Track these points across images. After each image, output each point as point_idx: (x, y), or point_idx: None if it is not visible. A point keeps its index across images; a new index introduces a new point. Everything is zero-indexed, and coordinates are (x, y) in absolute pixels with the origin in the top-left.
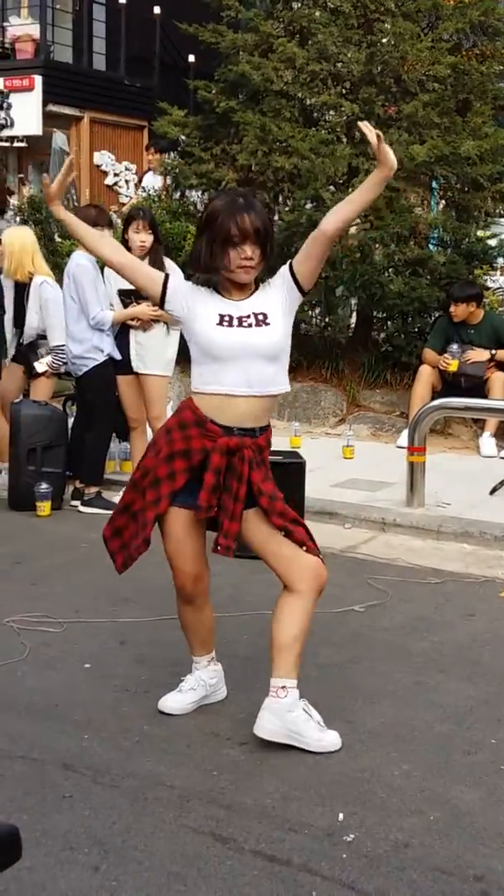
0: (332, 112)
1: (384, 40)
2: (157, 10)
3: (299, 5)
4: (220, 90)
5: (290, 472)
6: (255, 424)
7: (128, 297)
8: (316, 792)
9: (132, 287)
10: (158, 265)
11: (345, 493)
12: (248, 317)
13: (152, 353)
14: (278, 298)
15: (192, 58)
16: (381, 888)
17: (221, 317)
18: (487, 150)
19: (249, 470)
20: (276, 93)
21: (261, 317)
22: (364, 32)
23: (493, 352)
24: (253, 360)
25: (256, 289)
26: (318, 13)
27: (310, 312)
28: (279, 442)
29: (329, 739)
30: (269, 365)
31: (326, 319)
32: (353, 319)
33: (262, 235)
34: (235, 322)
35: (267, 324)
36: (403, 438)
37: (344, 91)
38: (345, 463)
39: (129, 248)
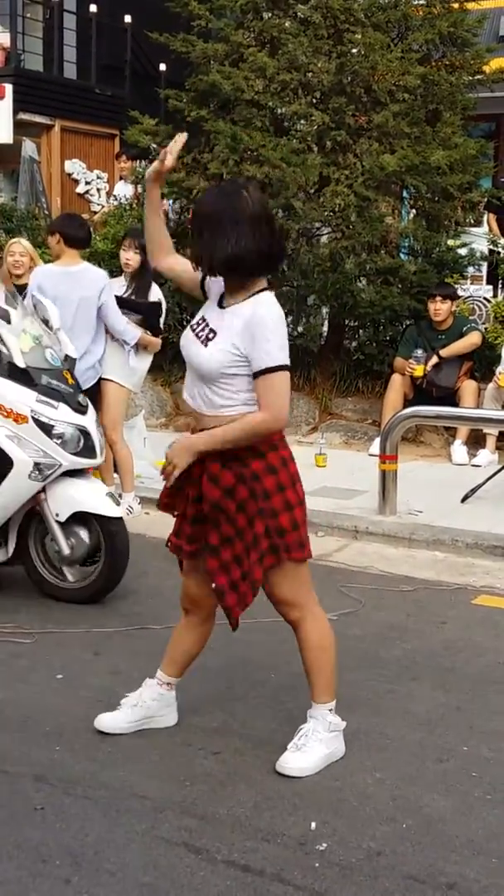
0: (302, 121)
1: (354, 50)
2: (127, 18)
3: (270, 15)
4: (191, 99)
5: None
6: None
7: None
8: (289, 801)
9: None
10: (144, 287)
11: (317, 501)
12: (205, 329)
13: (113, 361)
14: (237, 339)
15: (163, 67)
16: None
17: (198, 322)
18: (457, 160)
19: (202, 470)
20: (247, 102)
21: (210, 334)
22: (334, 43)
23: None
24: (193, 374)
25: (247, 299)
26: (288, 23)
27: None
28: None
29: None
30: (204, 385)
31: (298, 328)
32: (325, 328)
33: (197, 219)
34: (198, 329)
35: (206, 344)
36: (375, 446)
37: (314, 101)
38: (317, 471)
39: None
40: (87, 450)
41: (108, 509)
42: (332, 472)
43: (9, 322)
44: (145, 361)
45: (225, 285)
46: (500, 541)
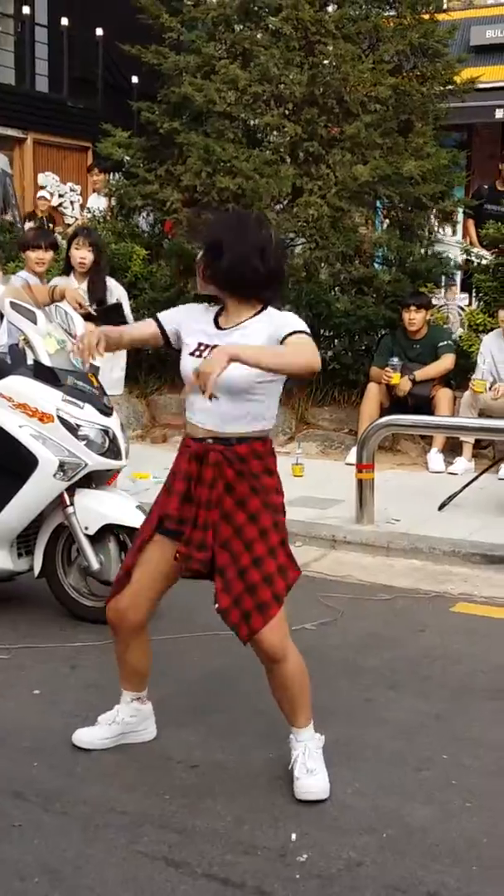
0: (275, 133)
1: (326, 62)
2: (99, 31)
3: (241, 27)
4: (164, 111)
5: None
6: (230, 435)
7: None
8: (269, 813)
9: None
10: (100, 284)
11: (295, 510)
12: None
13: (99, 372)
14: (264, 343)
15: (135, 79)
16: None
17: (198, 346)
18: (429, 169)
19: (216, 475)
20: (220, 114)
21: None
22: (305, 54)
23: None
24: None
25: (254, 316)
26: (259, 35)
27: None
28: None
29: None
30: (227, 402)
31: None
32: None
33: (207, 249)
34: (206, 354)
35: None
36: (352, 455)
37: (287, 112)
38: (294, 481)
39: (70, 265)
40: (113, 452)
41: (139, 522)
42: (310, 481)
43: (35, 323)
44: (121, 362)
45: (228, 305)
46: (478, 548)
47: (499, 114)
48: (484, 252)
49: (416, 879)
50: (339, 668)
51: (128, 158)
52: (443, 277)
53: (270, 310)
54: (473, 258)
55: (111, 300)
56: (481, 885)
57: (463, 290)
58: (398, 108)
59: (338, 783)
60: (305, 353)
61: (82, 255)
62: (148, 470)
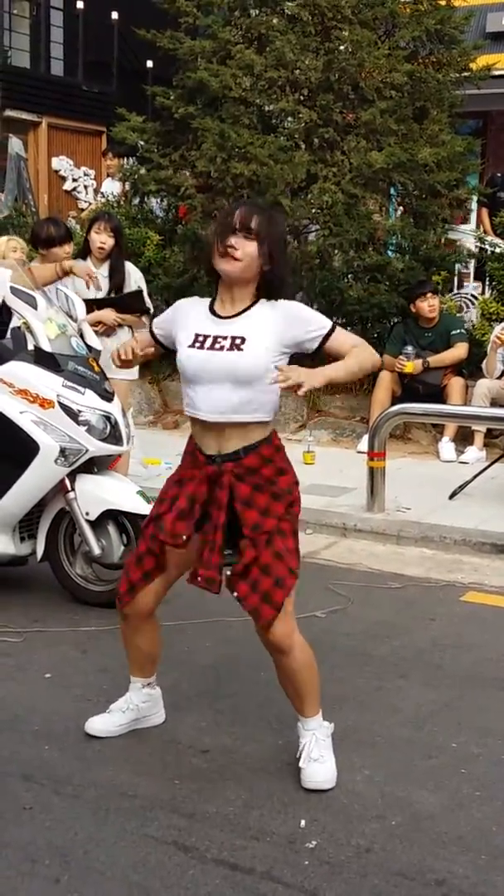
0: (290, 119)
1: (341, 48)
2: (115, 15)
3: (257, 12)
4: (179, 96)
5: None
6: (238, 446)
7: (91, 304)
8: (278, 799)
9: (94, 297)
10: (119, 270)
11: (306, 498)
12: (225, 339)
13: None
14: (271, 336)
15: (150, 63)
16: (343, 895)
17: (196, 337)
18: (444, 157)
19: (231, 497)
20: (235, 99)
21: (238, 340)
22: (321, 40)
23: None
24: (217, 385)
25: (254, 304)
26: (275, 20)
27: None
28: None
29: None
30: (234, 391)
31: None
32: None
33: (256, 234)
34: (208, 343)
35: (240, 349)
36: (364, 444)
37: (302, 98)
38: (305, 468)
39: (89, 248)
40: (114, 437)
41: (140, 507)
42: (321, 469)
43: (35, 308)
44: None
45: (233, 293)
46: (488, 538)
47: None
48: (498, 240)
49: (425, 867)
50: (348, 656)
51: (142, 143)
52: (457, 266)
53: (270, 301)
54: (487, 246)
55: (130, 285)
56: (490, 874)
57: (476, 278)
58: (413, 95)
59: (347, 770)
60: (366, 354)
61: (102, 239)
62: (159, 456)
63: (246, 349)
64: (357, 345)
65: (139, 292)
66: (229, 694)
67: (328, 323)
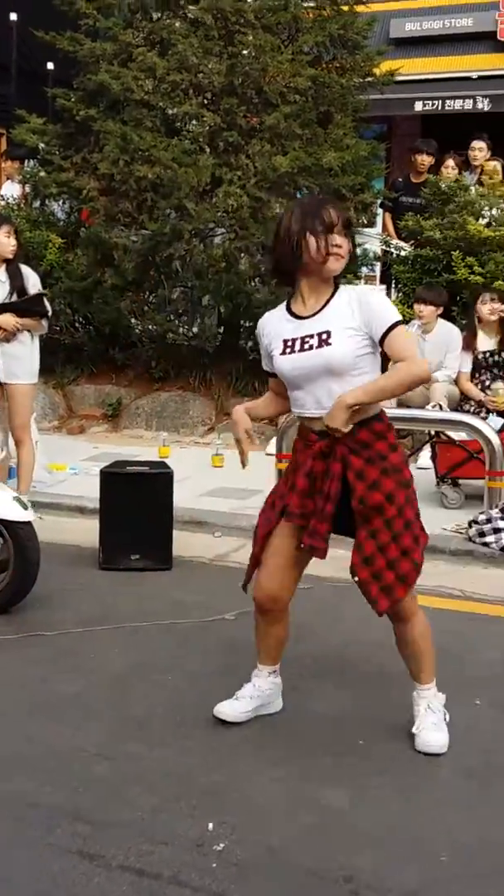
0: (194, 122)
1: (245, 52)
2: (13, 16)
3: (159, 16)
4: (80, 98)
5: (158, 482)
6: (349, 427)
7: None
8: (186, 803)
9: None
10: (19, 272)
11: (215, 501)
12: (311, 337)
13: (20, 362)
14: (351, 321)
15: (50, 65)
16: (251, 895)
17: (285, 343)
18: (349, 161)
19: (344, 467)
20: (137, 102)
21: (324, 335)
22: (225, 44)
23: None
24: (318, 381)
25: (332, 295)
26: (178, 24)
27: (176, 322)
28: (146, 453)
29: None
30: (336, 382)
31: (193, 329)
32: (220, 328)
33: (349, 228)
34: (297, 346)
35: (329, 343)
36: (272, 446)
37: (205, 101)
38: (214, 471)
39: None
40: None
41: (16, 513)
42: (229, 472)
43: None
44: (37, 351)
45: (315, 293)
46: None
47: (418, 106)
48: (402, 244)
49: (333, 864)
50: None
51: (43, 145)
52: (363, 269)
53: (344, 287)
54: (392, 250)
55: (29, 288)
56: (397, 869)
57: (382, 281)
58: (317, 100)
59: (256, 772)
60: (401, 375)
61: (13, 243)
62: (64, 461)
63: (334, 342)
64: (405, 358)
65: (40, 296)
66: (138, 699)
67: (389, 320)
